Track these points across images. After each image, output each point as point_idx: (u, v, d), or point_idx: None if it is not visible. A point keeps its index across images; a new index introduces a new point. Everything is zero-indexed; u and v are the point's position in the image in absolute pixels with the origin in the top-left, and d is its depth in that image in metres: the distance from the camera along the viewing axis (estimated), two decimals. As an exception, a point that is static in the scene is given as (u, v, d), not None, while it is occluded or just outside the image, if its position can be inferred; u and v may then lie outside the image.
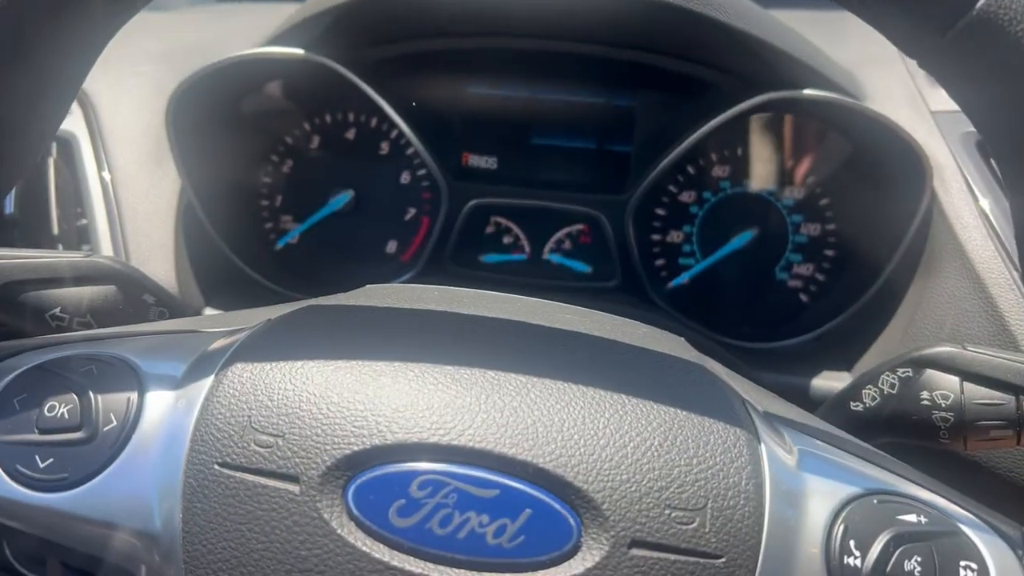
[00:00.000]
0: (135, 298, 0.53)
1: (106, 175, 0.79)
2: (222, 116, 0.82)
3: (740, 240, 0.85)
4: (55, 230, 0.76)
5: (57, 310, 0.51)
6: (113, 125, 0.80)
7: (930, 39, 0.34)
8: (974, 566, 0.35)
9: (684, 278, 0.87)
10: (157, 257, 0.76)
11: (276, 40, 0.79)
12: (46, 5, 0.38)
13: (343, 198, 0.88)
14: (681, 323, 0.82)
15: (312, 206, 0.89)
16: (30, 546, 0.61)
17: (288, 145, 0.89)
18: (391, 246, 0.90)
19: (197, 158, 0.79)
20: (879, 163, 0.76)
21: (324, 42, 0.78)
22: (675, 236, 0.87)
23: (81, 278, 0.52)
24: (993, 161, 0.36)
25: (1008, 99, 0.34)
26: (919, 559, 0.35)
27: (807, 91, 0.73)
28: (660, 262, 0.87)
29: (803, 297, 0.86)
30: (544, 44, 0.81)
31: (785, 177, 0.84)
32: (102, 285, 0.52)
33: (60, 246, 0.76)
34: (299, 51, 0.76)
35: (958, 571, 0.35)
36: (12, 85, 0.39)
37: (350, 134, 0.89)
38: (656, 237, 0.87)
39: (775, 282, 0.86)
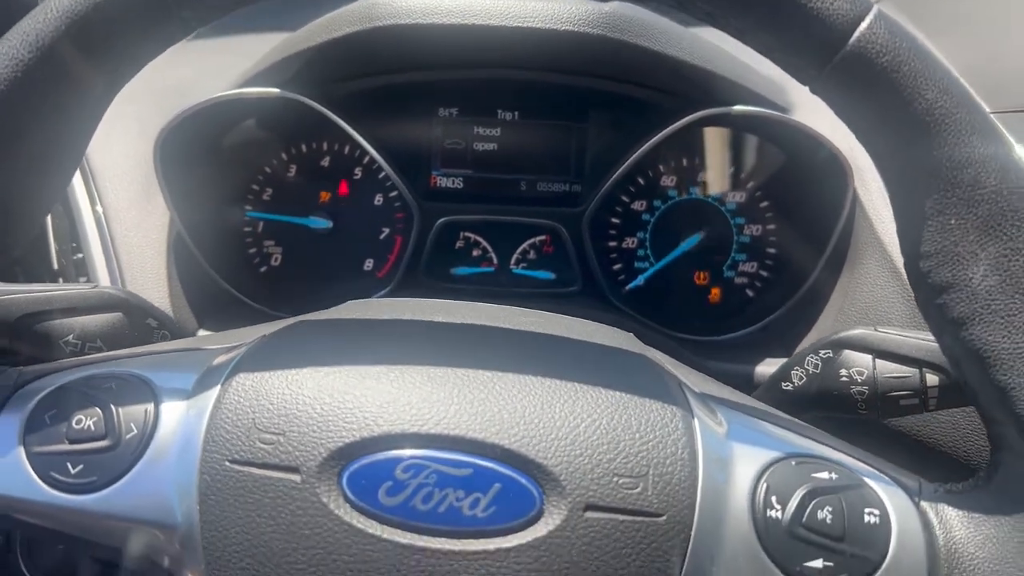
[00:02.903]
0: (140, 323, 0.57)
1: (99, 210, 0.82)
2: (205, 151, 0.85)
3: (689, 243, 0.89)
4: (55, 265, 0.80)
5: (70, 337, 0.55)
6: (103, 164, 0.83)
7: (815, 69, 0.38)
8: (877, 512, 0.39)
9: (639, 280, 0.91)
10: (151, 285, 0.79)
11: (253, 79, 0.83)
12: (42, 88, 0.41)
13: (321, 222, 0.91)
14: (639, 322, 0.86)
15: (292, 230, 0.92)
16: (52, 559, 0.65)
17: (267, 175, 0.92)
18: (368, 264, 0.93)
19: (184, 192, 0.82)
20: (808, 168, 0.81)
21: (298, 80, 0.82)
22: (629, 242, 0.91)
23: (91, 307, 0.55)
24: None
25: (880, 123, 0.39)
26: (830, 509, 0.39)
27: (737, 107, 0.78)
28: (617, 267, 0.91)
29: (748, 292, 0.90)
30: (501, 74, 0.85)
31: (727, 184, 0.89)
32: (110, 313, 0.56)
33: (61, 279, 0.80)
34: (276, 90, 0.79)
35: (863, 517, 0.39)
36: (12, 166, 0.42)
37: (325, 162, 0.92)
38: (612, 244, 0.91)
39: (722, 280, 0.91)
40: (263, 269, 0.94)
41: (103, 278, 0.79)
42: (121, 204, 0.82)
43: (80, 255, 0.82)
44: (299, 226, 0.92)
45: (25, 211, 0.44)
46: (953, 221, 0.38)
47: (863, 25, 0.37)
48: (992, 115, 0.76)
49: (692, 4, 0.39)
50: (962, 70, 0.82)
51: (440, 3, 0.75)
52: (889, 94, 0.38)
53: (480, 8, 0.74)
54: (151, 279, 0.80)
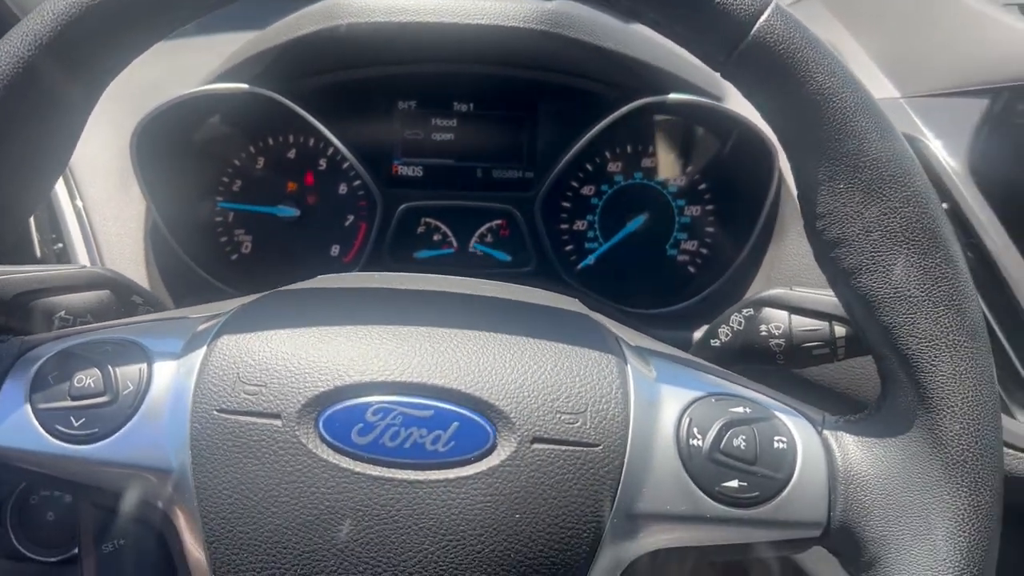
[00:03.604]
0: (126, 300, 0.61)
1: (78, 203, 0.85)
2: (178, 145, 0.88)
3: (634, 224, 0.94)
4: (37, 253, 0.83)
5: (62, 313, 0.58)
6: (82, 157, 0.85)
7: (722, 57, 0.43)
8: (784, 439, 0.44)
9: (590, 260, 0.96)
10: (130, 271, 0.81)
11: (223, 76, 0.86)
12: (25, 103, 0.43)
13: (289, 211, 0.94)
14: (591, 298, 0.90)
15: (261, 219, 0.95)
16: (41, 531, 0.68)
17: (237, 167, 0.95)
18: (334, 250, 0.97)
19: (159, 183, 0.85)
20: (739, 151, 0.86)
21: (266, 76, 0.85)
22: (580, 224, 0.96)
23: (81, 286, 0.59)
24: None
25: (778, 103, 0.43)
26: (744, 437, 0.44)
27: (672, 96, 0.82)
28: (569, 247, 0.96)
29: (690, 269, 0.95)
30: (456, 68, 0.89)
31: (668, 168, 0.94)
32: (98, 290, 0.60)
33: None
34: (244, 86, 0.83)
35: (773, 444, 0.44)
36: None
37: (291, 154, 0.95)
38: (564, 226, 0.96)
39: (666, 257, 0.95)
40: (234, 257, 0.97)
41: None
42: (100, 196, 0.84)
43: (60, 245, 0.85)
44: (268, 215, 0.95)
45: (8, 216, 0.47)
46: (841, 185, 0.43)
47: (762, 18, 0.41)
48: (907, 99, 0.83)
49: (617, 1, 0.44)
50: (883, 58, 0.88)
51: (397, 3, 0.79)
52: (785, 78, 0.42)
53: (434, 7, 0.79)
54: (130, 266, 0.83)
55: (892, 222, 0.42)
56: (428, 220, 0.96)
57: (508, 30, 0.78)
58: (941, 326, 0.42)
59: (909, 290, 0.42)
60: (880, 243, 0.42)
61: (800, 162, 0.45)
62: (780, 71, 0.42)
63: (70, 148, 0.48)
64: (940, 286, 0.42)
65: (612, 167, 0.94)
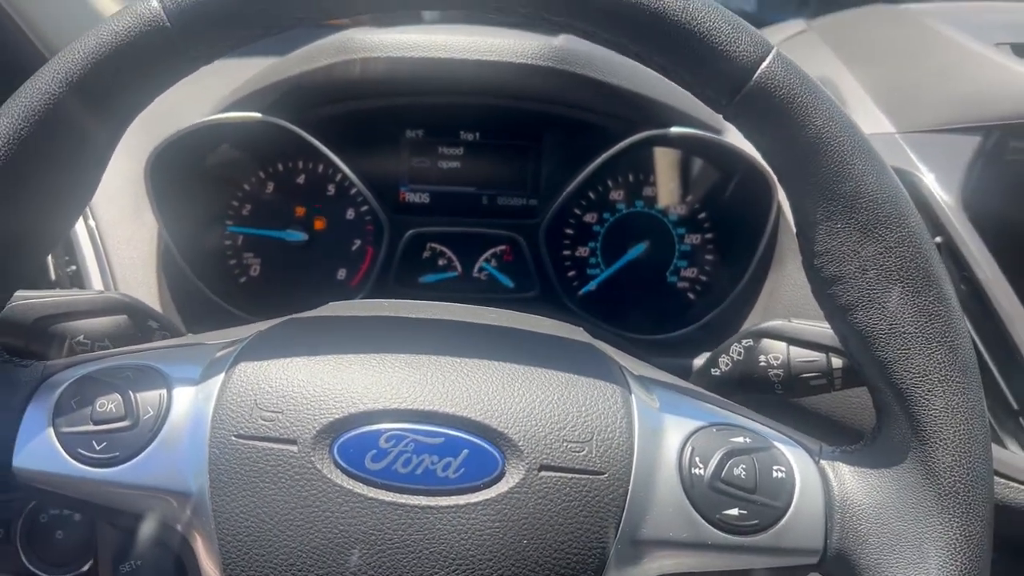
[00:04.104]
0: (142, 325, 0.62)
1: (92, 225, 0.86)
2: (191, 171, 0.89)
3: (636, 251, 0.96)
4: (52, 275, 0.84)
5: (80, 337, 0.59)
6: None
7: (725, 100, 0.44)
8: (783, 469, 0.45)
9: (592, 286, 0.97)
10: (142, 294, 0.83)
11: (236, 104, 0.87)
12: (50, 142, 0.44)
13: (297, 235, 0.95)
14: (592, 323, 0.92)
15: (270, 243, 0.96)
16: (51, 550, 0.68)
17: (247, 192, 0.96)
18: (341, 273, 0.98)
19: (171, 208, 0.86)
20: (739, 183, 0.88)
21: (278, 105, 0.87)
22: (582, 251, 0.97)
23: (99, 311, 0.60)
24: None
25: (779, 145, 0.45)
26: (744, 467, 0.45)
27: (674, 129, 0.84)
28: (571, 273, 0.97)
29: (690, 295, 0.97)
30: (463, 99, 0.90)
31: (669, 197, 0.95)
32: (115, 315, 0.61)
33: (57, 289, 0.84)
34: (258, 115, 0.85)
35: (772, 473, 0.45)
36: (20, 211, 0.45)
37: (301, 180, 0.96)
38: (566, 253, 0.97)
39: (666, 284, 0.97)
40: (243, 279, 0.98)
41: (97, 288, 0.83)
42: (113, 219, 0.86)
43: (74, 267, 0.86)
44: (276, 239, 0.96)
45: (30, 252, 0.48)
46: (839, 225, 0.44)
47: (763, 65, 0.43)
48: (902, 134, 0.85)
49: (624, 46, 0.46)
50: (879, 93, 0.90)
51: (408, 39, 0.81)
52: (785, 122, 0.44)
53: (444, 44, 0.81)
54: (141, 288, 0.84)
55: (888, 261, 0.44)
56: (433, 245, 0.97)
57: (517, 66, 0.80)
58: (934, 362, 0.43)
59: (903, 326, 0.44)
60: (875, 281, 0.44)
61: (799, 201, 0.46)
62: (780, 115, 0.44)
63: (94, 184, 0.49)
64: (933, 323, 0.43)
65: (614, 195, 0.96)
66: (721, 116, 0.47)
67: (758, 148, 0.46)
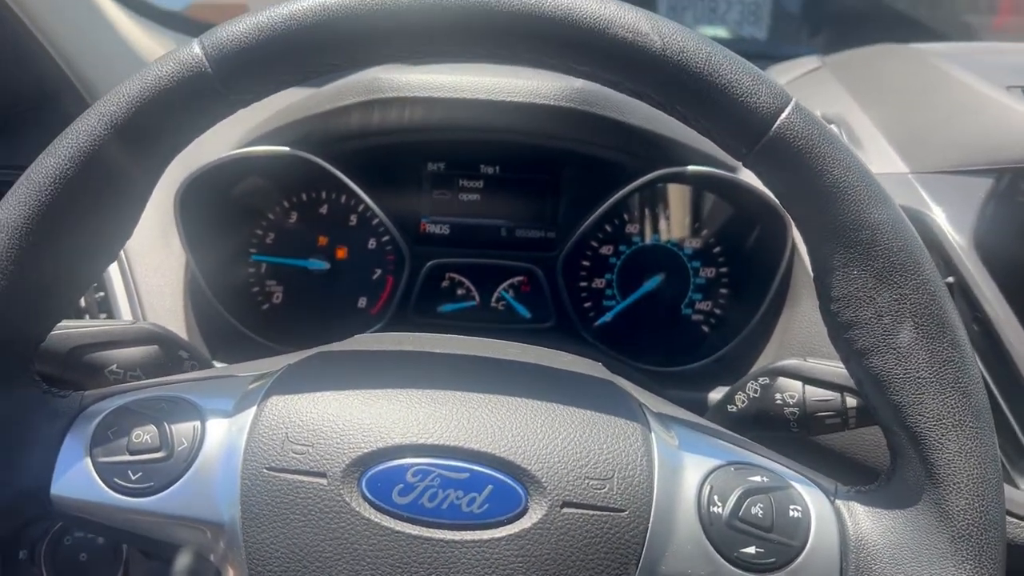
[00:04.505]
0: (173, 355, 0.63)
1: (121, 253, 0.88)
2: (217, 201, 0.91)
3: (651, 284, 0.97)
4: (81, 303, 0.86)
5: (113, 367, 0.61)
6: None
7: (745, 149, 0.46)
8: (799, 508, 0.46)
9: (607, 317, 0.98)
10: (169, 321, 0.85)
11: (263, 138, 0.90)
12: (90, 187, 0.45)
13: (319, 263, 0.97)
14: (607, 354, 0.92)
15: (293, 271, 0.98)
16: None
17: (271, 221, 0.98)
18: (362, 302, 0.99)
19: (199, 238, 0.88)
20: (754, 220, 0.89)
21: (305, 139, 0.89)
22: (598, 283, 0.98)
23: (131, 341, 0.61)
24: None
25: (797, 194, 0.46)
26: (761, 505, 0.45)
27: (691, 167, 0.86)
28: (587, 305, 0.98)
29: (704, 328, 0.98)
30: (484, 136, 0.92)
31: (684, 232, 0.97)
32: (147, 346, 0.63)
33: (87, 316, 0.86)
34: (285, 148, 0.87)
35: (788, 512, 0.46)
36: (57, 256, 0.46)
37: (323, 210, 0.98)
38: (583, 284, 0.98)
39: (681, 317, 0.98)
40: (265, 307, 0.99)
41: (125, 315, 0.85)
42: (142, 247, 0.88)
43: (102, 293, 0.87)
44: (299, 267, 0.98)
45: (70, 289, 0.49)
46: (855, 272, 0.45)
47: (783, 116, 0.44)
48: (915, 174, 0.86)
49: (647, 96, 0.47)
50: (891, 132, 0.91)
51: (434, 79, 0.83)
52: (803, 171, 0.45)
53: (469, 85, 0.83)
54: (169, 315, 0.86)
55: (903, 307, 0.45)
56: (453, 275, 0.99)
57: (540, 107, 0.82)
58: (948, 406, 0.44)
59: (918, 371, 0.44)
60: (891, 327, 0.45)
61: (816, 248, 0.47)
62: (799, 164, 0.45)
63: (133, 224, 0.50)
64: (947, 368, 0.44)
65: (630, 228, 0.97)
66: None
67: (776, 195, 0.48)
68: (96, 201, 0.46)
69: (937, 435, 0.44)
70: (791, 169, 0.45)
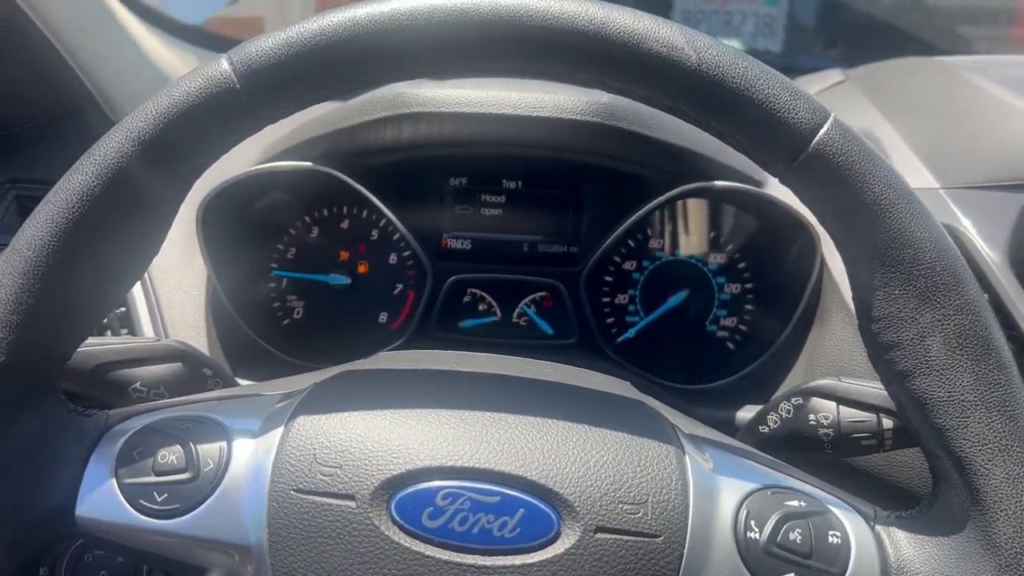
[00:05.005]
0: (197, 372, 0.63)
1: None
2: (239, 216, 0.91)
3: (675, 300, 0.96)
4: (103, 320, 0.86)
5: (137, 384, 0.60)
6: None
7: (783, 166, 0.45)
8: (839, 534, 0.45)
9: (630, 333, 0.97)
10: (192, 337, 0.85)
11: (285, 153, 0.90)
12: (116, 209, 0.45)
13: (340, 279, 0.97)
14: (630, 371, 0.91)
15: (314, 287, 0.98)
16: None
17: (292, 236, 0.98)
18: (383, 317, 0.99)
19: (220, 253, 0.88)
20: (781, 236, 0.88)
21: (327, 154, 0.89)
22: (621, 299, 0.97)
23: (155, 358, 0.61)
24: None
25: (836, 211, 0.45)
26: (800, 531, 0.44)
27: (718, 183, 0.85)
28: (610, 320, 0.97)
29: (729, 345, 0.96)
30: (507, 150, 0.92)
31: (709, 247, 0.96)
32: (171, 363, 0.62)
33: (108, 332, 0.85)
34: (308, 164, 0.86)
35: (827, 538, 0.44)
36: (82, 278, 0.45)
37: (345, 224, 0.98)
38: (606, 300, 0.97)
39: (705, 334, 0.97)
40: (286, 322, 0.99)
41: (147, 331, 0.85)
42: (164, 264, 0.88)
43: (123, 308, 0.87)
44: (320, 283, 0.98)
45: (91, 314, 0.48)
46: (897, 291, 0.44)
47: (822, 132, 0.43)
48: (946, 190, 0.85)
49: (682, 112, 0.46)
50: (920, 147, 0.90)
51: (460, 95, 0.82)
52: (843, 188, 0.44)
53: (496, 100, 0.82)
54: (191, 331, 0.85)
55: (947, 328, 0.43)
56: (474, 291, 0.98)
57: (566, 122, 0.82)
58: (994, 431, 0.43)
59: (962, 394, 0.43)
60: (934, 348, 0.44)
61: (856, 267, 0.46)
62: (838, 181, 0.44)
63: (160, 242, 0.49)
64: (993, 391, 0.43)
65: (654, 244, 0.97)
66: (768, 172, 0.47)
67: (814, 212, 0.47)
68: (123, 219, 0.46)
69: (983, 460, 0.43)
70: (830, 186, 0.44)
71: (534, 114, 0.82)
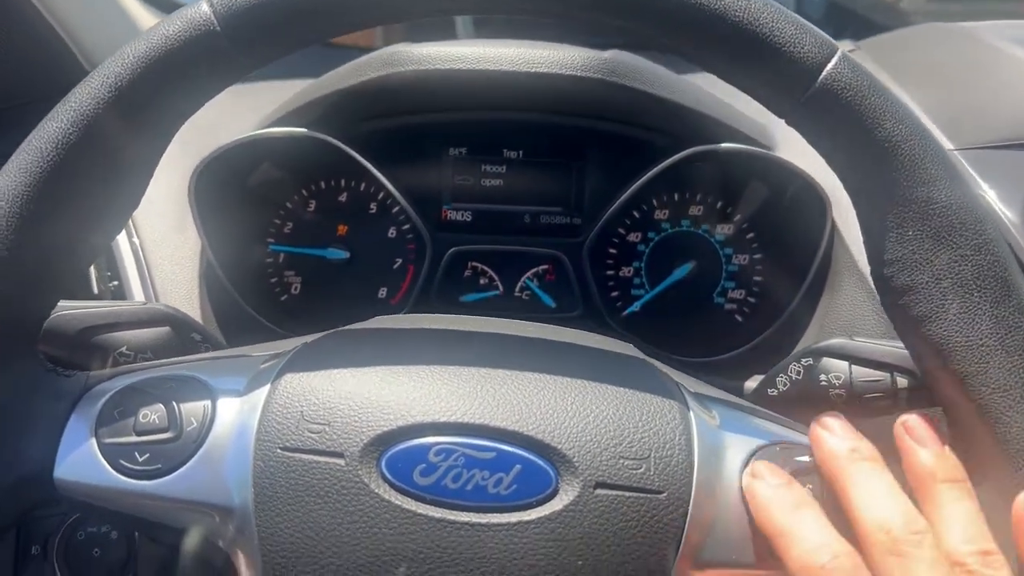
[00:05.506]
0: (186, 336, 0.61)
1: (135, 241, 0.86)
2: (234, 188, 0.89)
3: (681, 271, 0.94)
4: (95, 290, 0.84)
5: (123, 348, 0.59)
6: None
7: (789, 103, 0.43)
8: None
9: (636, 306, 0.95)
10: (184, 309, 0.83)
11: (281, 120, 0.88)
12: (89, 158, 0.44)
13: (338, 253, 0.95)
14: (636, 344, 0.91)
15: (311, 261, 0.96)
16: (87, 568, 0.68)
17: (289, 210, 0.96)
18: (382, 292, 0.97)
19: (215, 225, 0.86)
20: (790, 201, 0.86)
21: (323, 121, 0.87)
22: (626, 271, 0.95)
23: (142, 322, 0.59)
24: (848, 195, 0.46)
25: (846, 150, 0.43)
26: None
27: (723, 145, 0.83)
28: (615, 294, 0.96)
29: (737, 317, 0.94)
30: (507, 116, 0.90)
31: (716, 216, 0.94)
32: (159, 327, 0.61)
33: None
34: (303, 130, 0.84)
35: None
36: (59, 229, 0.44)
37: (343, 197, 0.96)
38: (610, 272, 0.95)
39: (713, 305, 0.95)
40: (284, 297, 0.97)
41: (139, 301, 0.83)
42: (156, 235, 0.86)
43: (116, 282, 0.86)
44: (317, 257, 0.96)
45: (68, 267, 0.47)
46: (910, 232, 0.42)
47: (829, 66, 0.42)
48: (960, 150, 0.83)
49: (681, 49, 0.44)
50: (933, 111, 0.88)
51: (457, 51, 0.80)
52: (853, 125, 0.42)
53: (493, 56, 0.80)
54: (184, 304, 0.84)
55: (963, 269, 0.42)
56: (475, 264, 0.96)
57: (565, 78, 0.79)
58: (1015, 376, 0.41)
59: (981, 339, 0.41)
60: (951, 290, 0.42)
61: (867, 209, 0.44)
62: (848, 118, 0.42)
63: (139, 194, 0.48)
64: (1013, 335, 0.41)
65: (659, 214, 0.95)
66: (770, 126, 0.45)
67: (822, 153, 0.45)
68: (99, 169, 0.44)
69: (1004, 406, 0.41)
70: (839, 124, 0.43)
71: (532, 69, 0.80)
